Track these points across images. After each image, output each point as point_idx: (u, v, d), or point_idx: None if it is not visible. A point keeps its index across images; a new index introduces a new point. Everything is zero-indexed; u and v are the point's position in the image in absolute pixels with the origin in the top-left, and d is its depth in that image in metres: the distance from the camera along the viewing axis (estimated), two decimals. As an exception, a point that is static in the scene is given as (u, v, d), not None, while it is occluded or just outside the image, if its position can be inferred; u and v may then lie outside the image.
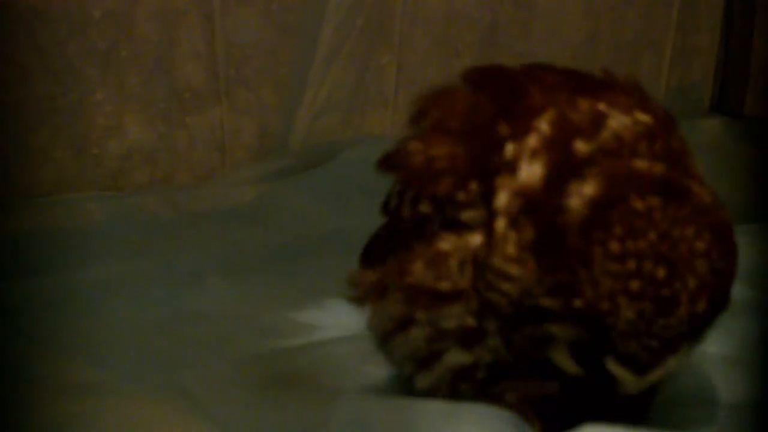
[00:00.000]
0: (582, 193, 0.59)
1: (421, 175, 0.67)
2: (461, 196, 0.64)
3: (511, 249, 0.61)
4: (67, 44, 1.18)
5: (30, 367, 0.75)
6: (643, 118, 0.64)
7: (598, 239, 0.57)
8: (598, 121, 0.63)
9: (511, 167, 0.62)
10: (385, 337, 0.70)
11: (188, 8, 1.24)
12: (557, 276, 0.59)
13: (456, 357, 0.67)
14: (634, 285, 0.57)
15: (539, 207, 0.60)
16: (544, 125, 0.63)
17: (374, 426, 0.66)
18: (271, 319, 0.93)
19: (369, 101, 1.35)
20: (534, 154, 0.62)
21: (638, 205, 0.58)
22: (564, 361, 0.62)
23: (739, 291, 0.91)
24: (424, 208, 0.67)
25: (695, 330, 0.58)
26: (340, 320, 0.88)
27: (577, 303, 0.58)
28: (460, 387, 0.67)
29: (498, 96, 0.66)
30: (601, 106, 0.64)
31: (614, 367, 0.59)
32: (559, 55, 1.40)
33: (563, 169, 0.61)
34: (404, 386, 0.71)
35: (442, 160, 0.65)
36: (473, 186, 0.64)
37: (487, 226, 0.62)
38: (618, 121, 0.63)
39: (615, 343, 0.58)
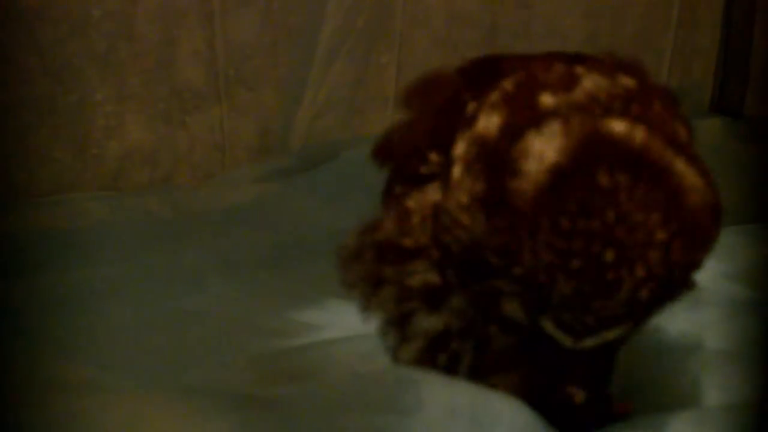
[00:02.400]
0: (544, 156, 0.57)
1: (396, 157, 0.69)
2: (424, 169, 0.65)
3: (463, 197, 0.61)
4: (67, 44, 1.18)
5: (30, 367, 0.75)
6: (626, 81, 0.62)
7: (549, 212, 0.56)
8: (570, 80, 0.61)
9: (471, 121, 0.62)
10: (364, 302, 0.71)
11: (188, 8, 1.24)
12: (502, 237, 0.58)
13: (425, 321, 0.67)
14: (576, 264, 0.55)
15: (493, 157, 0.59)
16: (508, 84, 0.62)
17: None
18: (271, 319, 0.93)
19: (369, 101, 1.35)
20: (493, 106, 0.61)
21: (603, 180, 0.56)
22: (513, 310, 0.61)
23: (739, 291, 0.91)
24: (398, 189, 0.68)
25: (636, 313, 0.57)
26: (340, 320, 0.88)
27: (517, 270, 0.57)
28: (438, 358, 0.68)
29: (473, 73, 0.66)
30: (579, 69, 0.62)
31: (550, 328, 0.58)
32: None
33: (522, 118, 0.59)
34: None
35: (410, 139, 0.67)
36: (433, 157, 0.64)
37: (446, 176, 0.63)
38: (594, 81, 0.61)
39: (551, 309, 0.57)
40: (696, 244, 0.57)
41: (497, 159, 0.59)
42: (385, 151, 0.71)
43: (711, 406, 0.71)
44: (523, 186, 0.57)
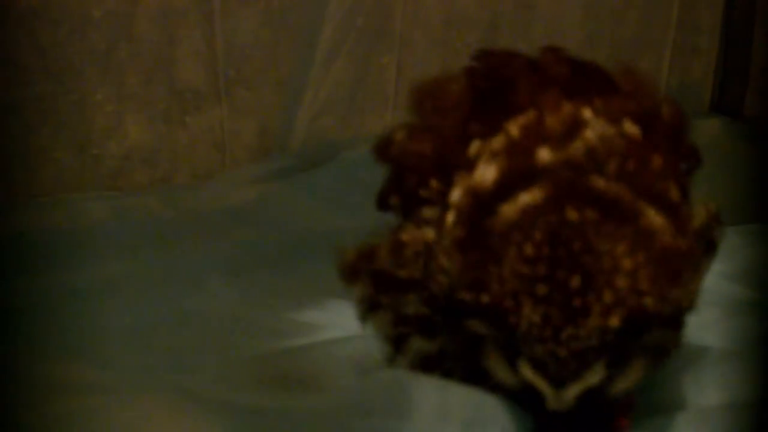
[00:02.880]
0: (520, 201, 0.59)
1: (395, 169, 0.69)
2: (423, 192, 0.65)
3: (448, 243, 0.62)
4: (67, 44, 1.18)
5: (30, 367, 0.75)
6: (631, 130, 0.63)
7: (516, 240, 0.57)
8: (574, 129, 0.62)
9: (471, 165, 0.63)
10: (362, 317, 0.72)
11: (188, 8, 1.24)
12: (474, 272, 0.59)
13: (420, 344, 0.68)
14: (541, 289, 0.56)
15: (482, 210, 0.61)
16: (513, 129, 0.63)
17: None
18: (271, 319, 0.93)
19: (369, 101, 1.35)
20: (494, 155, 0.62)
21: (572, 216, 0.57)
22: (497, 367, 0.62)
23: (739, 291, 0.91)
24: (394, 201, 0.69)
25: (608, 346, 0.57)
26: (340, 320, 0.88)
27: (484, 298, 0.58)
28: (432, 373, 0.68)
29: (485, 91, 0.66)
30: (586, 113, 0.63)
31: (528, 373, 0.59)
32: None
33: (517, 176, 0.61)
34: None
35: (412, 157, 0.67)
36: (434, 183, 0.65)
37: (441, 220, 0.63)
38: (596, 132, 0.62)
39: (522, 344, 0.58)
40: (666, 276, 0.58)
41: (485, 212, 0.60)
42: (385, 150, 0.72)
43: (711, 405, 0.71)
44: (496, 225, 0.59)
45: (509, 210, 0.59)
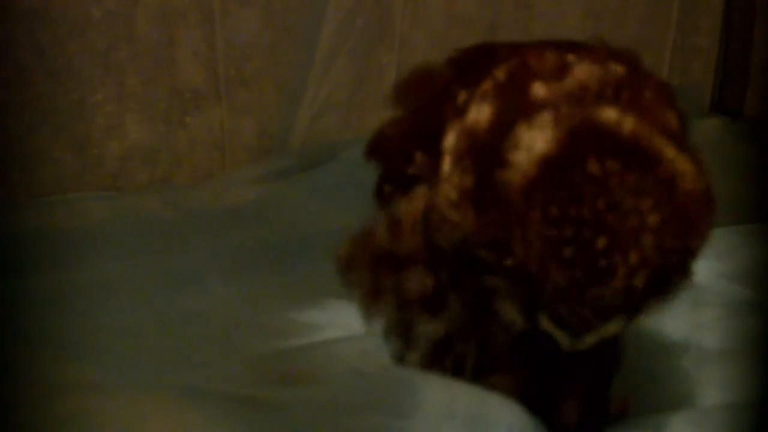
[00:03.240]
0: (533, 147, 0.57)
1: (384, 157, 0.69)
2: (411, 169, 0.65)
3: (452, 193, 0.61)
4: (67, 44, 1.18)
5: (30, 367, 0.75)
6: (617, 68, 0.61)
7: (540, 201, 0.55)
8: (562, 68, 0.61)
9: (461, 111, 0.62)
10: (364, 310, 0.71)
11: (188, 8, 1.24)
12: (493, 231, 0.57)
13: (427, 327, 0.67)
14: (568, 252, 0.55)
15: (483, 151, 0.59)
16: (500, 73, 0.62)
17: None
18: (271, 319, 0.93)
19: (369, 101, 1.35)
20: (484, 96, 0.61)
21: (594, 168, 0.55)
22: (509, 311, 0.61)
23: (738, 291, 0.91)
24: (387, 188, 0.68)
25: (632, 304, 0.56)
26: (340, 320, 0.88)
27: (509, 261, 0.56)
28: (444, 362, 0.68)
29: (466, 63, 0.66)
30: (570, 57, 0.62)
31: (547, 325, 0.58)
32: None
33: (513, 110, 0.59)
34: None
35: (394, 140, 0.67)
36: (419, 157, 0.64)
37: (434, 176, 0.62)
38: (585, 70, 0.60)
39: (546, 304, 0.57)
40: (689, 230, 0.57)
41: (487, 153, 0.59)
42: (375, 148, 0.72)
43: (710, 405, 0.71)
44: (512, 178, 0.57)
45: (523, 160, 0.57)
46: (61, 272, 0.98)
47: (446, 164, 0.62)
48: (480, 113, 0.61)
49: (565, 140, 0.56)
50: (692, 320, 0.83)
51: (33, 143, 1.18)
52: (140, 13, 1.21)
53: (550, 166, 0.56)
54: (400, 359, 0.71)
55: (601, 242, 0.55)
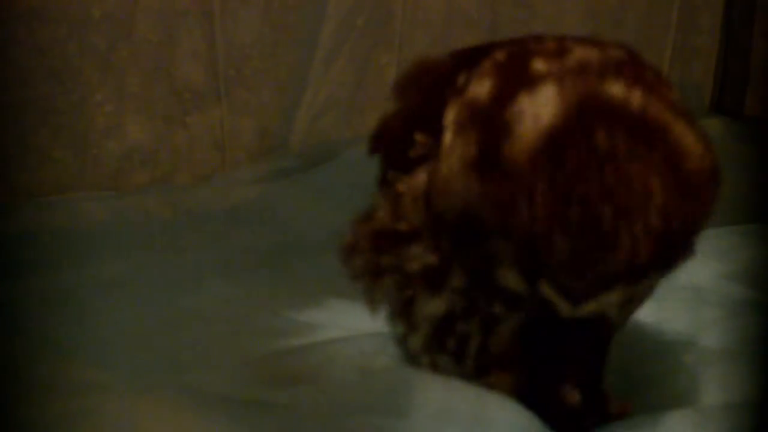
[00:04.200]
0: (538, 118, 0.57)
1: (386, 144, 0.70)
2: (413, 152, 0.65)
3: (455, 163, 0.61)
4: (67, 44, 1.18)
5: (30, 367, 0.75)
6: (616, 52, 0.61)
7: (546, 173, 0.55)
8: (562, 49, 0.61)
9: (461, 90, 0.62)
10: (367, 294, 0.71)
11: (188, 8, 1.24)
12: (498, 196, 0.57)
13: (428, 305, 0.67)
14: (574, 220, 0.55)
15: (486, 120, 0.59)
16: (500, 54, 0.62)
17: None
18: (271, 319, 0.93)
19: (369, 101, 1.35)
20: (484, 73, 0.61)
21: (602, 140, 0.55)
22: (510, 278, 0.61)
23: (739, 291, 0.91)
24: (391, 177, 0.68)
25: (634, 275, 0.56)
26: (340, 320, 0.88)
27: (515, 225, 0.56)
28: (447, 343, 0.68)
29: (465, 55, 0.66)
30: (569, 42, 0.62)
31: (548, 291, 0.58)
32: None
33: (515, 82, 0.59)
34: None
35: (395, 129, 0.67)
36: (420, 137, 0.64)
37: (435, 153, 0.62)
38: (584, 51, 0.61)
39: (549, 270, 0.57)
40: (695, 206, 0.57)
41: (489, 122, 0.59)
42: (378, 139, 0.72)
43: (710, 405, 0.71)
44: (518, 148, 0.57)
45: (528, 132, 0.57)
46: (61, 272, 0.98)
47: (448, 136, 0.62)
48: (480, 87, 0.61)
49: (572, 112, 0.56)
50: (692, 320, 0.83)
51: (33, 143, 1.18)
52: (140, 13, 1.21)
53: (556, 137, 0.56)
54: (403, 343, 0.71)
55: (607, 211, 0.55)
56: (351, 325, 0.79)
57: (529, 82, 0.58)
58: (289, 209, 1.19)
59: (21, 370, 0.74)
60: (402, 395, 0.66)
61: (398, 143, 0.67)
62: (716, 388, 0.73)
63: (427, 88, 0.67)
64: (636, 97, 0.57)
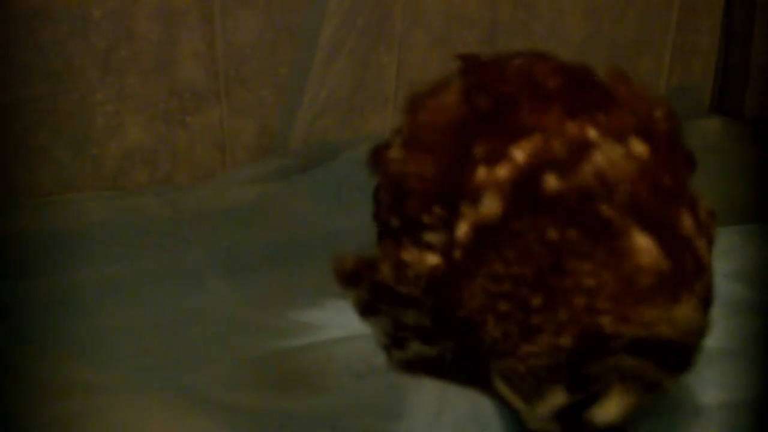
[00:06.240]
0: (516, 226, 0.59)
1: (394, 190, 0.68)
2: (426, 218, 0.65)
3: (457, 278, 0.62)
4: (67, 44, 1.18)
5: (30, 367, 0.75)
6: (639, 148, 0.61)
7: (488, 258, 0.58)
8: (582, 151, 0.61)
9: (476, 196, 0.62)
10: (361, 317, 0.72)
11: (188, 8, 1.24)
12: (454, 290, 0.60)
13: (420, 348, 0.68)
14: (503, 306, 0.57)
15: (486, 247, 0.61)
16: (519, 154, 0.62)
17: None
18: (271, 319, 0.93)
19: (369, 101, 1.35)
20: (500, 187, 0.61)
21: (553, 235, 0.57)
22: (502, 390, 0.62)
23: (739, 290, 0.91)
24: (395, 222, 0.68)
25: (565, 365, 0.57)
26: (340, 320, 0.88)
27: (459, 314, 0.59)
28: (431, 371, 0.68)
29: (486, 108, 0.65)
30: (591, 133, 0.61)
31: (499, 386, 0.60)
32: (559, 56, 1.40)
33: (522, 208, 0.60)
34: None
35: (413, 179, 0.66)
36: (437, 210, 0.64)
37: (448, 250, 0.63)
38: (605, 155, 0.60)
39: (490, 359, 0.59)
40: (630, 297, 0.57)
41: (489, 249, 0.60)
42: (379, 161, 0.71)
43: (711, 405, 0.71)
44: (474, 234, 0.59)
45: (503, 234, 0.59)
46: (61, 272, 0.98)
47: (457, 254, 0.62)
48: (492, 207, 0.61)
49: (541, 213, 0.58)
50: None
51: (33, 143, 1.18)
52: (140, 13, 1.21)
53: (509, 227, 0.58)
54: (388, 356, 0.71)
55: (536, 300, 0.57)
56: (350, 325, 0.79)
57: (535, 206, 0.59)
58: (289, 209, 1.19)
59: (21, 370, 0.74)
60: (397, 397, 0.66)
61: (409, 198, 0.66)
62: (717, 387, 0.73)
63: (443, 156, 0.65)
64: (613, 213, 0.58)
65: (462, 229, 0.62)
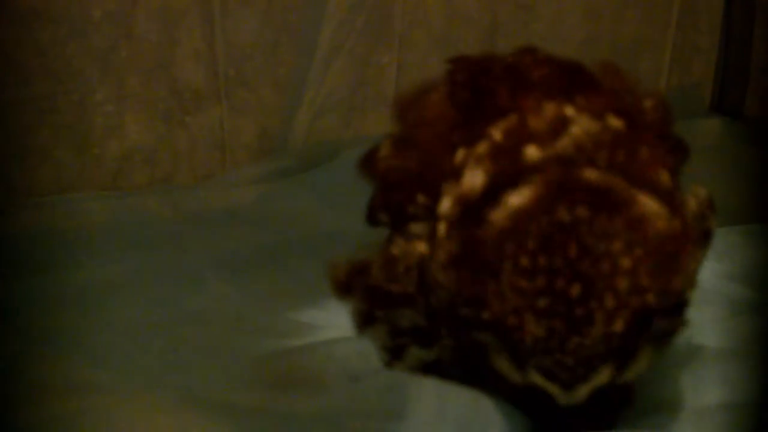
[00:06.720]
0: (509, 203, 0.58)
1: (381, 186, 0.69)
2: (411, 208, 0.65)
3: (442, 257, 0.61)
4: (67, 44, 1.18)
5: (30, 367, 0.75)
6: (615, 123, 0.62)
7: (510, 253, 0.56)
8: (559, 127, 0.61)
9: (457, 174, 0.62)
10: (358, 330, 0.72)
11: (188, 8, 1.24)
12: (471, 288, 0.58)
13: (419, 353, 0.68)
14: (542, 302, 0.55)
15: (472, 218, 0.60)
16: (497, 133, 0.62)
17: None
18: (271, 319, 0.93)
19: (369, 101, 1.35)
20: (479, 160, 0.61)
21: (564, 216, 0.56)
22: (504, 367, 0.61)
23: (739, 291, 0.91)
24: (383, 218, 0.68)
25: (615, 349, 0.57)
26: (340, 320, 0.88)
27: (486, 315, 0.57)
28: (431, 373, 0.68)
29: (466, 101, 0.66)
30: (569, 111, 0.62)
31: (538, 379, 0.58)
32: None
33: (505, 177, 0.60)
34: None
35: (397, 172, 0.67)
36: (421, 198, 0.64)
37: (432, 233, 0.63)
38: (582, 127, 0.61)
39: (529, 356, 0.57)
40: (664, 268, 0.57)
41: (474, 219, 0.59)
42: (370, 165, 0.71)
43: (711, 405, 0.71)
44: (487, 234, 0.58)
45: (499, 217, 0.58)
46: (60, 272, 0.98)
47: (441, 229, 0.62)
48: (474, 179, 0.61)
49: (538, 194, 0.57)
50: (692, 319, 0.83)
51: (33, 143, 1.18)
52: (140, 13, 1.21)
53: (520, 217, 0.57)
54: (388, 367, 0.71)
55: (575, 290, 0.55)
56: (350, 325, 0.79)
57: (517, 175, 0.59)
58: (290, 209, 1.19)
59: (21, 370, 0.74)
60: (397, 398, 0.66)
61: (395, 191, 0.67)
62: (717, 387, 0.73)
63: (426, 146, 0.66)
64: (605, 178, 0.58)
65: (445, 205, 0.62)
